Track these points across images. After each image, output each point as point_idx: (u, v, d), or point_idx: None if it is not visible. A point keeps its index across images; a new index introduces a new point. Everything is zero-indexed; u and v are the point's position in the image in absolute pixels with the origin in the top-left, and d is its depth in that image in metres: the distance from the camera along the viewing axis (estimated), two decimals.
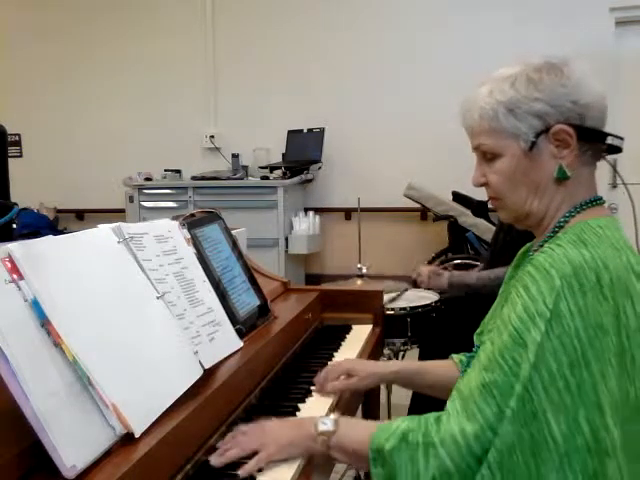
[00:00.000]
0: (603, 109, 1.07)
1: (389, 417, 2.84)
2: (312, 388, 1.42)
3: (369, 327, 1.94)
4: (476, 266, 2.90)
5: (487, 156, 1.10)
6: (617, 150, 1.08)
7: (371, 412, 2.15)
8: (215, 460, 1.05)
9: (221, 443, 1.10)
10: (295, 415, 1.27)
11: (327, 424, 1.05)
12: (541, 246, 1.09)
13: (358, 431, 1.06)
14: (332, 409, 1.34)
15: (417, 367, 1.44)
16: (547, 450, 0.92)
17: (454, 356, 1.42)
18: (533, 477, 0.92)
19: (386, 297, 2.61)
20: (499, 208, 1.14)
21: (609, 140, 1.05)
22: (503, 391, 0.93)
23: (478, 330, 1.30)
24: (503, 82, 1.06)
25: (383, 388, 2.58)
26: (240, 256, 1.61)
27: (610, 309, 0.94)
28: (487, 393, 0.94)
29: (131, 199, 5.10)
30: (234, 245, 1.60)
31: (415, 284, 2.67)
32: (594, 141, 1.06)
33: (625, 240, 1.05)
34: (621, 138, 1.07)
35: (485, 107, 1.07)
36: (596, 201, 1.09)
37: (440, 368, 1.41)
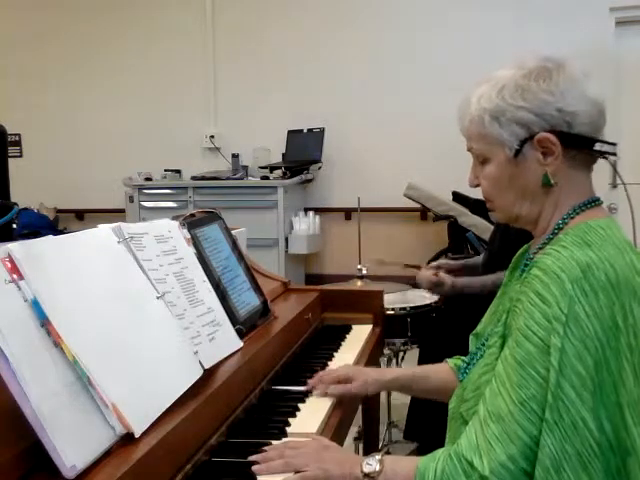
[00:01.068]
0: (594, 115, 1.06)
1: (389, 417, 2.84)
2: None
3: (369, 327, 1.94)
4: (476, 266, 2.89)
5: (479, 159, 1.13)
6: (610, 154, 1.08)
7: (371, 412, 2.15)
8: (258, 470, 1.04)
9: (269, 448, 1.09)
10: (295, 415, 1.27)
11: (372, 464, 1.02)
12: (541, 248, 1.09)
13: (403, 468, 1.02)
14: (334, 406, 1.34)
15: (414, 373, 1.44)
16: (596, 457, 0.92)
17: (449, 361, 1.41)
18: None
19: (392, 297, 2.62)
20: (492, 209, 1.16)
21: (597, 146, 1.06)
22: (541, 403, 0.92)
23: (475, 331, 1.30)
24: (492, 89, 1.07)
25: None
26: (240, 256, 1.61)
27: (619, 309, 0.94)
28: (527, 410, 0.93)
29: (131, 199, 5.10)
30: (234, 245, 1.60)
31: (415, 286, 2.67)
32: (581, 148, 1.06)
33: (626, 240, 1.06)
34: (612, 143, 1.07)
35: (473, 113, 1.09)
36: (594, 202, 1.09)
37: (437, 373, 1.41)
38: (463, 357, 1.37)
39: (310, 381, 1.40)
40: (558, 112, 1.03)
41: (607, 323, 0.93)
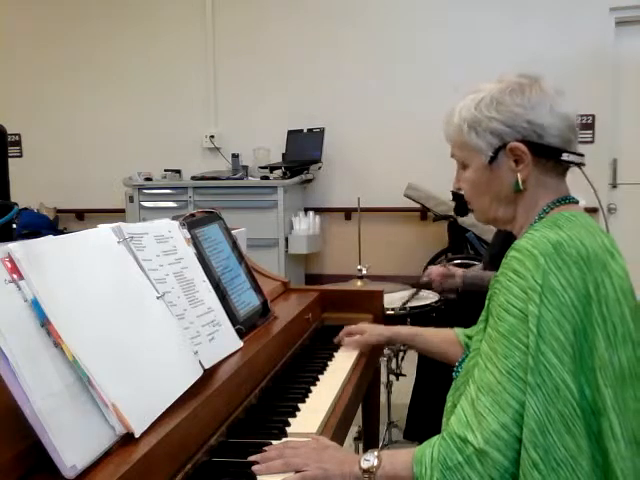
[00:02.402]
0: (564, 129, 1.14)
1: (389, 417, 2.84)
2: (312, 388, 1.43)
3: None
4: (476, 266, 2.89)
5: (460, 165, 1.23)
6: (577, 164, 1.17)
7: (371, 412, 2.15)
8: (257, 470, 1.04)
9: (268, 448, 1.10)
10: (295, 415, 1.27)
11: (370, 460, 1.04)
12: None
13: (400, 459, 1.05)
14: (334, 406, 1.34)
15: (416, 332, 1.65)
16: (578, 419, 0.96)
17: (457, 331, 1.52)
18: (573, 452, 0.95)
19: (398, 295, 2.65)
20: (473, 210, 1.26)
21: (564, 157, 1.14)
22: (526, 369, 0.97)
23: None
24: (472, 101, 1.18)
25: (383, 388, 2.59)
26: (240, 256, 1.61)
27: (591, 280, 1.01)
28: (515, 378, 0.98)
29: (131, 199, 5.10)
30: (234, 245, 1.60)
31: (422, 286, 2.68)
32: (549, 157, 1.15)
33: (597, 225, 1.13)
34: (580, 154, 1.15)
35: (455, 122, 1.19)
36: (567, 200, 1.17)
37: (437, 336, 1.58)
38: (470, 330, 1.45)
39: (337, 338, 1.73)
40: (528, 124, 1.13)
41: (581, 293, 1.00)
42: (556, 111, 1.13)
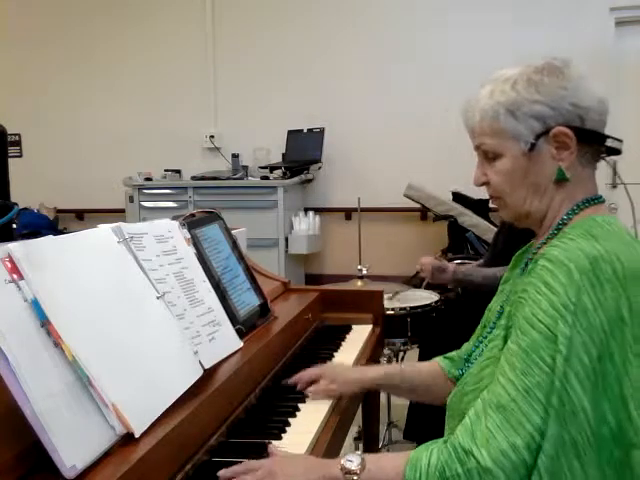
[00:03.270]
0: (603, 112, 1.07)
1: (389, 417, 2.84)
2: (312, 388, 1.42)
3: (369, 327, 1.94)
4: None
5: (488, 156, 1.11)
6: (616, 152, 1.09)
7: (371, 412, 2.15)
8: None
9: (223, 472, 1.02)
10: (295, 415, 1.27)
11: (354, 462, 0.99)
12: (545, 243, 1.09)
13: (387, 465, 1.00)
14: (334, 406, 1.34)
15: (396, 373, 1.40)
16: (590, 447, 0.92)
17: (438, 360, 1.40)
18: (578, 479, 0.92)
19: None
20: (500, 207, 1.15)
21: (608, 142, 1.06)
22: (546, 391, 0.92)
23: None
24: (504, 83, 1.07)
25: None
26: (240, 256, 1.61)
27: (625, 300, 0.94)
28: (532, 398, 0.92)
29: (131, 199, 5.10)
30: (234, 245, 1.60)
31: (417, 274, 2.66)
32: (593, 143, 1.07)
33: (631, 234, 1.06)
34: (620, 140, 1.07)
35: (486, 108, 1.08)
36: (597, 199, 1.09)
37: (420, 374, 1.40)
38: (454, 352, 1.37)
39: (300, 385, 1.40)
40: (572, 106, 1.04)
41: (612, 315, 0.93)
42: (595, 93, 1.05)
